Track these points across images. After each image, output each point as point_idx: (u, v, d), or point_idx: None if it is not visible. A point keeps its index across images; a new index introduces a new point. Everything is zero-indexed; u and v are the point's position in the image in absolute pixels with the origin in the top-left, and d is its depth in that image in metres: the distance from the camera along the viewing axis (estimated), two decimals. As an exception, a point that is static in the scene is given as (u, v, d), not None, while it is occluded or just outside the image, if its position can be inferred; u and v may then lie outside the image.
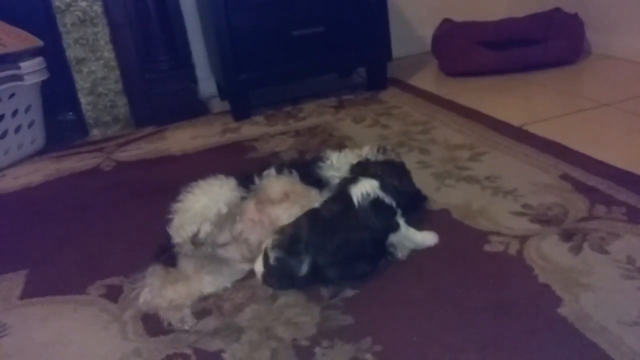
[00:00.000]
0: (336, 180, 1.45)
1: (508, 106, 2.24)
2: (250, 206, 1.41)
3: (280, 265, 1.24)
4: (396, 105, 2.42)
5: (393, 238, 1.31)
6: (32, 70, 2.31)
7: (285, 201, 1.40)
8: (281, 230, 1.29)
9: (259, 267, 1.29)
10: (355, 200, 1.31)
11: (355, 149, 1.63)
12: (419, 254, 1.33)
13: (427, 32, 2.97)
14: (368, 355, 1.04)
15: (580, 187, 1.52)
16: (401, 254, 1.31)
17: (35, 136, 2.44)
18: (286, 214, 1.36)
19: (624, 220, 1.34)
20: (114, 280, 1.41)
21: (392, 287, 1.23)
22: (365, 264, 1.26)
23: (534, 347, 1.01)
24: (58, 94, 2.59)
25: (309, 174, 1.49)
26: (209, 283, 1.30)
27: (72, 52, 2.52)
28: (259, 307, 1.23)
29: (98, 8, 2.50)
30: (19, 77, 2.27)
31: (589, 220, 1.37)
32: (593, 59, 2.70)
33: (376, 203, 1.31)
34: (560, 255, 1.25)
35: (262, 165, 1.55)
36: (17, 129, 2.35)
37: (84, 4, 2.48)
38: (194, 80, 2.80)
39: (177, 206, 1.39)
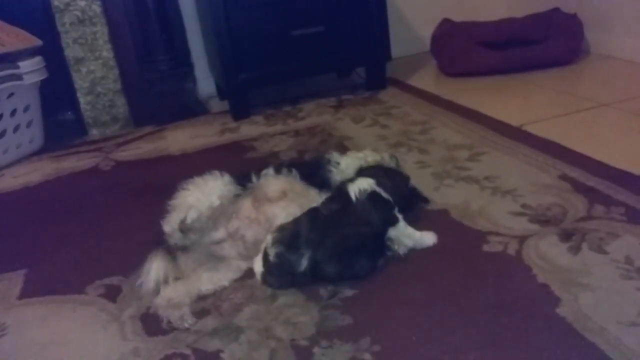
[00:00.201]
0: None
1: (507, 106, 2.24)
2: (247, 203, 1.41)
3: (280, 261, 1.24)
4: (395, 105, 2.42)
5: (392, 233, 1.32)
6: (31, 70, 2.30)
7: (282, 199, 1.40)
8: (280, 228, 1.29)
9: (258, 266, 1.29)
10: (352, 196, 1.32)
11: (360, 152, 1.61)
12: (418, 254, 1.33)
13: (426, 32, 2.97)
14: (367, 355, 1.04)
15: (579, 187, 1.52)
16: (400, 251, 1.32)
17: (34, 136, 2.44)
18: (283, 212, 1.36)
19: (622, 220, 1.35)
20: (113, 280, 1.41)
21: (391, 287, 1.23)
22: (365, 260, 1.26)
23: (532, 347, 1.01)
24: (57, 93, 2.59)
25: (315, 176, 1.50)
26: (207, 281, 1.31)
27: (71, 51, 2.52)
28: (258, 307, 1.23)
29: (97, 7, 2.50)
30: (18, 77, 2.27)
31: (587, 220, 1.37)
32: (592, 59, 2.70)
33: (373, 196, 1.32)
34: (559, 255, 1.25)
35: (260, 165, 1.56)
36: (16, 129, 2.35)
37: (82, 3, 2.48)
38: (193, 79, 2.80)
39: (172, 203, 1.41)
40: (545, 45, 2.58)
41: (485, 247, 1.32)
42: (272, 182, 1.45)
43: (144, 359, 1.12)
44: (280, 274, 1.26)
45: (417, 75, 2.85)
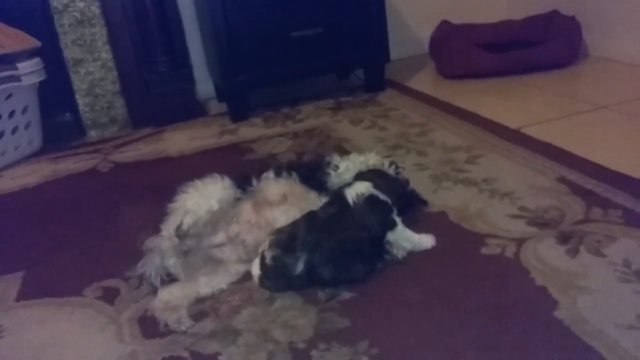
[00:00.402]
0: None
1: (506, 108, 2.24)
2: (247, 207, 1.41)
3: (276, 264, 1.24)
4: (394, 107, 2.43)
5: (390, 236, 1.32)
6: (30, 71, 2.30)
7: (283, 203, 1.40)
8: (278, 231, 1.29)
9: (255, 269, 1.29)
10: (350, 200, 1.32)
11: (362, 155, 1.60)
12: (416, 256, 1.33)
13: (425, 34, 2.97)
14: (365, 358, 1.04)
15: (577, 190, 1.52)
16: (399, 254, 1.31)
17: (32, 137, 2.44)
18: (284, 216, 1.36)
19: (620, 223, 1.35)
20: (111, 282, 1.40)
21: (389, 290, 1.23)
22: (361, 264, 1.26)
23: (530, 350, 1.01)
24: (55, 94, 2.58)
25: (313, 178, 1.49)
26: (204, 284, 1.31)
27: (70, 52, 2.52)
28: (256, 309, 1.23)
29: (96, 9, 2.50)
30: (16, 78, 2.27)
31: (585, 223, 1.37)
32: (590, 61, 2.71)
33: (371, 200, 1.32)
34: (557, 258, 1.25)
35: (260, 167, 1.55)
36: (14, 130, 2.35)
37: (81, 4, 2.48)
38: (191, 81, 2.80)
39: (171, 206, 1.40)
40: (544, 47, 2.58)
41: (484, 250, 1.32)
42: (272, 186, 1.44)
43: (142, 362, 1.12)
44: (276, 277, 1.25)
45: (415, 77, 2.85)
